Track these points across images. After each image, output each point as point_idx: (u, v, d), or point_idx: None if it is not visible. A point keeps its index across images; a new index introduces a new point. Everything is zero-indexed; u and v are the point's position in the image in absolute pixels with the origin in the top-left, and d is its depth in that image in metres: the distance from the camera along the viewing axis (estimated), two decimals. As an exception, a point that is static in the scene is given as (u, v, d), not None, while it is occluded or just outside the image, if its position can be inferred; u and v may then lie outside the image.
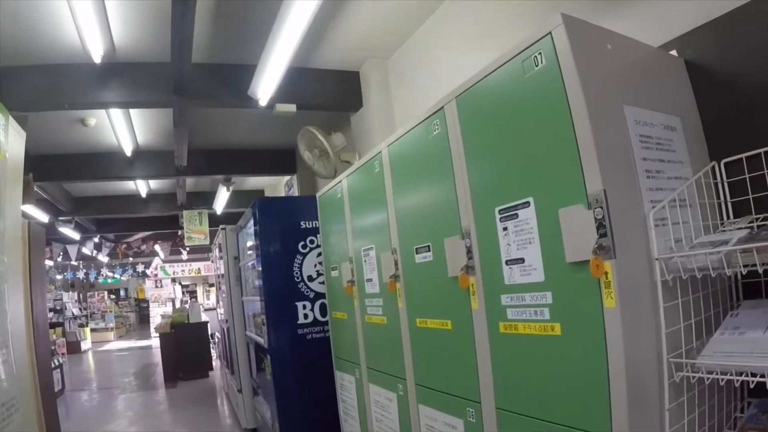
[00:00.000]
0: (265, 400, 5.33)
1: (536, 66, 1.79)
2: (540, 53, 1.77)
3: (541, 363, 1.89)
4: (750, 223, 1.85)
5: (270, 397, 4.95)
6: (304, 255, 4.85)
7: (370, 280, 3.28)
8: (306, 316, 4.80)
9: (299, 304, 4.79)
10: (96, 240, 16.86)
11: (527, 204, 1.88)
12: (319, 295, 4.79)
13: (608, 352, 1.59)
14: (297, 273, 4.81)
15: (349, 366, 3.73)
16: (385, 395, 3.16)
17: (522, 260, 1.93)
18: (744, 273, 1.55)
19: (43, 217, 10.16)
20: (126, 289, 31.81)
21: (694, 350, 1.71)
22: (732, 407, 1.95)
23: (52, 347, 10.95)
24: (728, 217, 2.03)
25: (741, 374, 1.55)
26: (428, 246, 2.56)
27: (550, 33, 1.72)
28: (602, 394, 1.61)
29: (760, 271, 1.50)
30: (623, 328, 1.55)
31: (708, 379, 1.64)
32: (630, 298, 1.59)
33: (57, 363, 10.08)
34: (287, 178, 9.91)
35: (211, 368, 12.08)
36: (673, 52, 2.28)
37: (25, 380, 3.60)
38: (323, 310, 4.73)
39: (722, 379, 1.61)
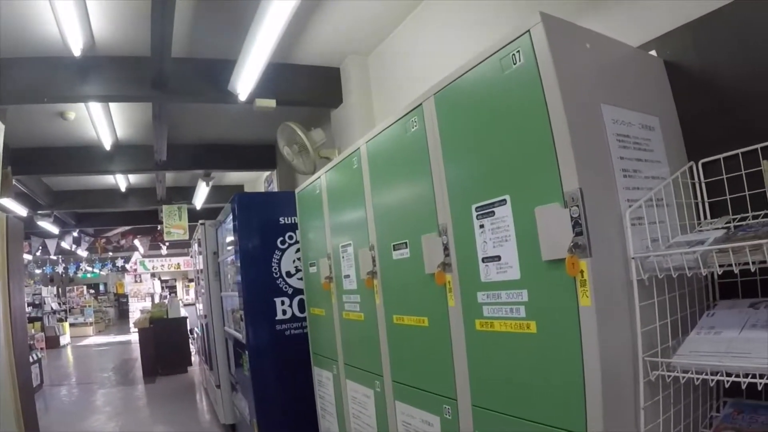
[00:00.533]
0: (244, 396, 5.30)
1: (514, 64, 1.79)
2: (518, 51, 1.77)
3: (517, 361, 1.89)
4: (727, 223, 1.85)
5: (248, 393, 4.93)
6: (283, 251, 4.83)
7: (347, 276, 3.27)
8: (284, 312, 4.78)
9: (278, 300, 4.77)
10: (75, 234, 16.76)
11: (504, 202, 1.88)
12: (298, 291, 4.77)
13: (584, 351, 1.59)
14: (276, 269, 4.79)
15: (327, 362, 3.72)
16: (362, 391, 3.16)
17: (498, 258, 1.92)
18: (720, 273, 1.55)
19: (21, 210, 10.07)
20: (105, 284, 31.63)
21: (669, 349, 1.71)
22: (708, 406, 1.96)
23: (31, 342, 10.87)
24: (705, 218, 2.04)
25: (716, 374, 1.55)
26: (405, 243, 2.55)
27: (528, 31, 1.71)
28: (578, 392, 1.61)
29: (736, 271, 1.50)
30: (598, 326, 1.55)
31: (683, 378, 1.64)
32: (605, 297, 1.59)
33: (35, 358, 10.03)
34: (267, 173, 9.87)
35: (190, 364, 12.03)
36: (653, 53, 2.29)
37: (3, 375, 3.58)
38: (301, 306, 4.71)
39: (697, 379, 1.61)
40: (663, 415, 1.70)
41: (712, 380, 1.58)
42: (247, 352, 4.78)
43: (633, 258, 1.67)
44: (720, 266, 1.52)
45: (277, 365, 4.71)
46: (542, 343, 1.77)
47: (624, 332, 1.65)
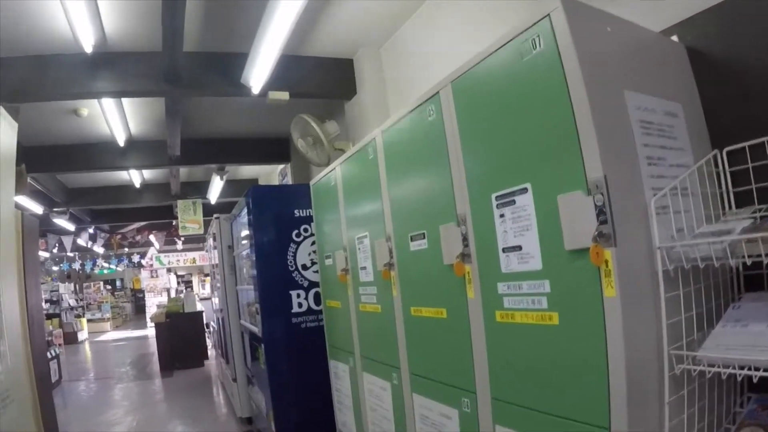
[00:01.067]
0: (260, 389, 5.31)
1: (534, 49, 1.75)
2: (538, 36, 1.73)
3: (539, 353, 1.86)
4: (753, 213, 1.80)
5: (264, 386, 4.94)
6: (298, 243, 4.82)
7: (364, 268, 3.25)
8: (300, 305, 4.78)
9: (293, 293, 4.77)
10: (91, 231, 16.86)
11: (525, 190, 1.84)
12: (314, 284, 4.76)
13: (608, 343, 1.55)
14: (291, 262, 4.78)
15: (343, 355, 3.70)
16: (379, 384, 3.13)
17: (519, 248, 1.89)
18: (748, 264, 1.51)
19: (37, 208, 10.11)
20: (122, 280, 31.82)
21: (695, 342, 1.67)
22: (731, 402, 1.91)
23: (49, 338, 10.94)
24: (730, 207, 1.98)
25: (744, 368, 1.51)
26: (423, 233, 2.52)
27: (548, 15, 1.67)
28: (601, 385, 1.58)
29: (765, 261, 1.45)
30: (623, 318, 1.51)
31: (709, 372, 1.59)
32: (630, 288, 1.54)
33: (54, 354, 10.08)
34: (281, 166, 9.88)
35: (207, 357, 12.10)
36: (674, 38, 2.24)
37: (20, 372, 3.58)
38: (317, 298, 4.71)
39: (724, 373, 1.56)
40: (688, 410, 1.66)
41: (740, 374, 1.53)
42: (263, 346, 4.78)
43: (659, 248, 1.62)
44: (749, 256, 1.48)
45: (293, 358, 4.71)
46: (565, 335, 1.73)
47: (649, 324, 1.61)
